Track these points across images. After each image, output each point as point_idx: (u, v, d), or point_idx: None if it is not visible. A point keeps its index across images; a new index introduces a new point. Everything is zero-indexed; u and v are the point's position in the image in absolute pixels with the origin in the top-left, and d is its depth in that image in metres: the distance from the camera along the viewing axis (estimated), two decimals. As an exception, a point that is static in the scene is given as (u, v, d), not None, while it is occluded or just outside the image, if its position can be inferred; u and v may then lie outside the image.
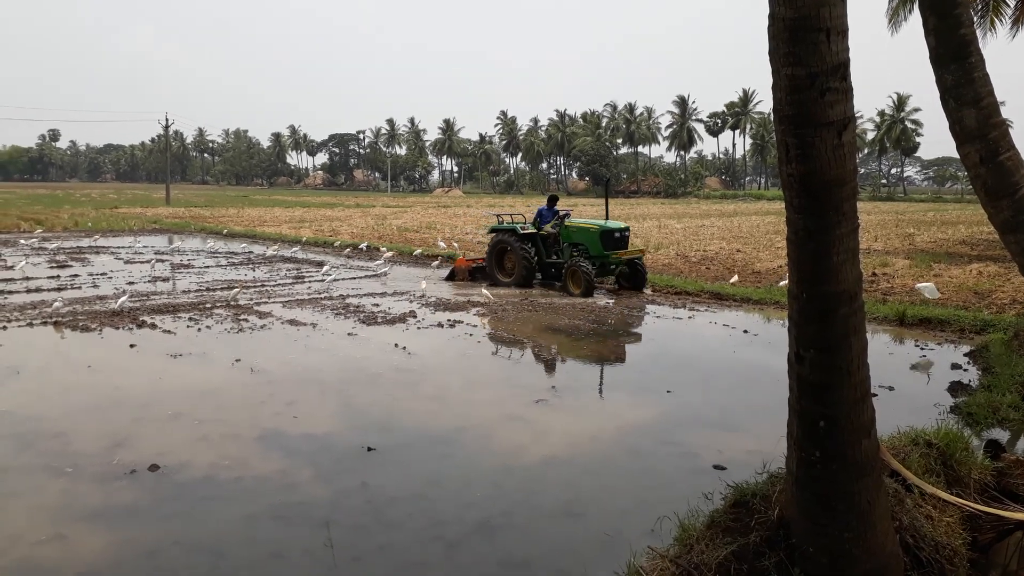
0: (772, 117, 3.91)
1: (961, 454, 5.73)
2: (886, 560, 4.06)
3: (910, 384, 9.40)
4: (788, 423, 4.17)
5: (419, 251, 24.34)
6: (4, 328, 11.97)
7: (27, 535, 5.27)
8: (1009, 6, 22.90)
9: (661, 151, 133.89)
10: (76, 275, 18.54)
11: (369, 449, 6.97)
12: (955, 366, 10.36)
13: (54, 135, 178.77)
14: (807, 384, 3.96)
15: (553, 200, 18.29)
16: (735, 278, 17.81)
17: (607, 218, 17.66)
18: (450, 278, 18.92)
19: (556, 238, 17.50)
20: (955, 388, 9.21)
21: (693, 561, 4.20)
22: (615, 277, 17.43)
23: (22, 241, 27.38)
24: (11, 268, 19.61)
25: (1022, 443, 7.75)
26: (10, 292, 15.57)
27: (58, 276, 18.23)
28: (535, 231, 17.72)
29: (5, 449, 6.85)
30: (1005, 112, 9.00)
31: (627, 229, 17.38)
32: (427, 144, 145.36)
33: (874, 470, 4.07)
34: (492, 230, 18.60)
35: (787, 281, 4.13)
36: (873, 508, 4.00)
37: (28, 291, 15.75)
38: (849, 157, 3.74)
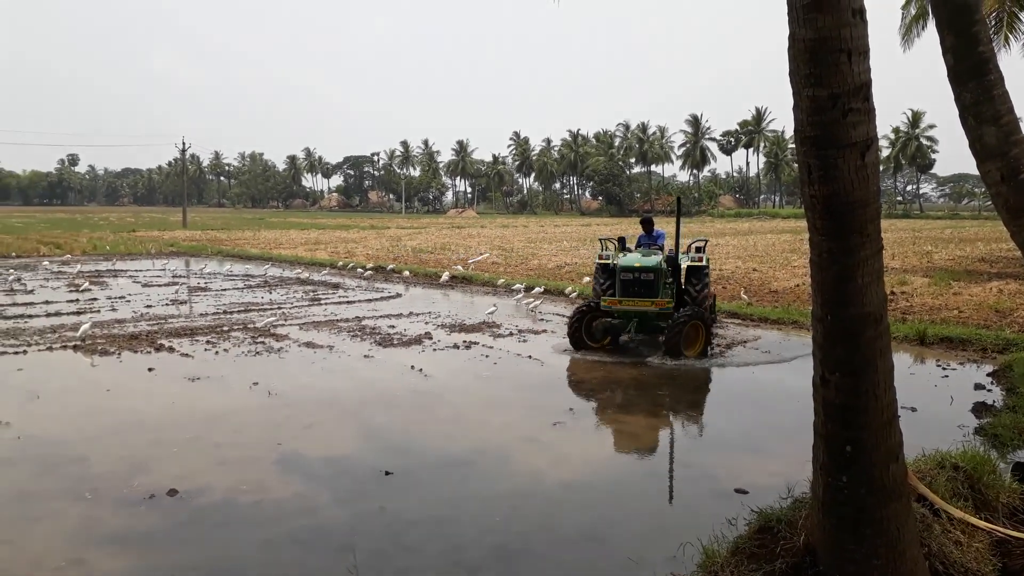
0: (791, 136, 3.90)
1: (988, 477, 5.63)
2: (916, 587, 3.98)
3: (933, 405, 9.27)
4: (813, 447, 4.11)
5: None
6: (25, 352, 12.06)
7: (47, 560, 5.27)
8: (1022, 21, 22.86)
9: (674, 170, 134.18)
10: (95, 299, 18.69)
11: (387, 473, 6.93)
12: (978, 386, 10.22)
13: (73, 159, 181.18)
14: (833, 407, 3.90)
15: (647, 224, 13.66)
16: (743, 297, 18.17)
17: (676, 241, 12.91)
18: None
19: None
20: (979, 409, 9.08)
21: (718, 588, 4.13)
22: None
23: (46, 263, 27.73)
24: (31, 292, 19.83)
25: (1050, 465, 7.61)
26: (30, 316, 15.72)
27: (77, 300, 18.39)
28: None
29: (27, 473, 6.87)
30: (1024, 129, 8.94)
31: (653, 269, 12.21)
32: (441, 165, 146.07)
33: (902, 495, 4.00)
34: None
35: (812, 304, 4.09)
36: (902, 534, 3.93)
37: (48, 315, 15.89)
38: (872, 178, 3.71)
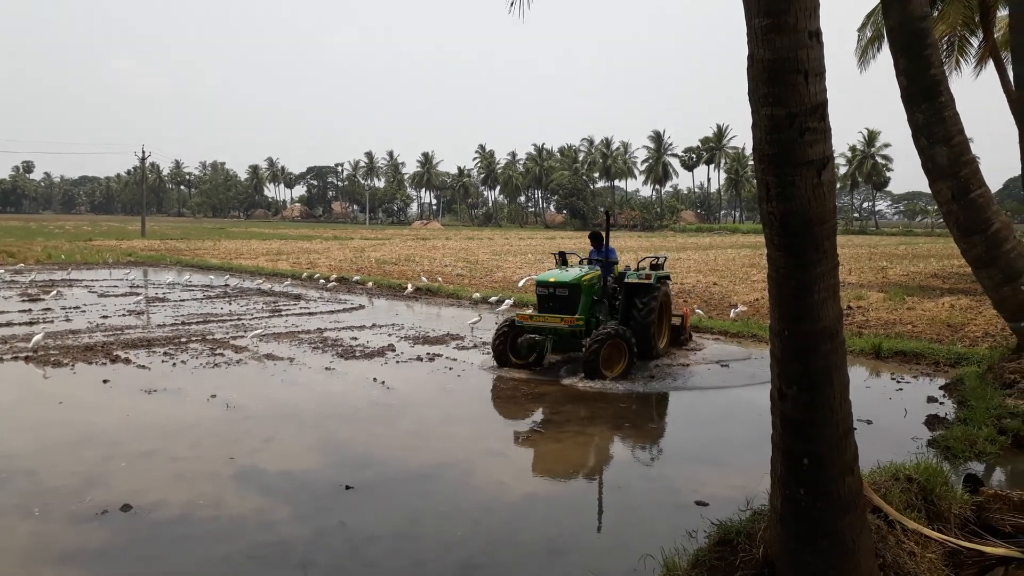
0: (750, 154, 3.97)
1: (941, 489, 5.75)
2: (871, 598, 4.05)
3: (888, 418, 9.46)
4: (772, 460, 4.17)
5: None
6: (-27, 363, 11.72)
7: (-6, 579, 5.11)
8: (973, 46, 23.59)
9: (637, 185, 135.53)
10: (48, 309, 18.25)
11: (347, 487, 6.86)
12: (931, 399, 10.45)
13: (28, 167, 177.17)
14: (790, 421, 3.97)
15: (595, 239, 13.31)
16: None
17: (606, 255, 12.89)
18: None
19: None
20: (932, 421, 9.28)
21: (678, 601, 4.16)
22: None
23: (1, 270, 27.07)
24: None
25: (1000, 476, 7.82)
26: (-20, 326, 15.28)
27: (30, 310, 17.93)
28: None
29: (-28, 489, 6.66)
30: (973, 148, 9.25)
31: (568, 284, 11.71)
32: (406, 177, 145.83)
33: (858, 507, 4.07)
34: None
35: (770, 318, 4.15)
36: (857, 545, 4.00)
37: (-2, 325, 15.47)
38: (828, 195, 3.80)
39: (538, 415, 9.59)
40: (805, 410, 3.90)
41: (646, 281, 12.58)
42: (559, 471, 7.69)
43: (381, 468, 7.49)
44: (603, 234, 13.23)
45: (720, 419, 9.68)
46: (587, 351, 11.12)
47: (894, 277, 27.98)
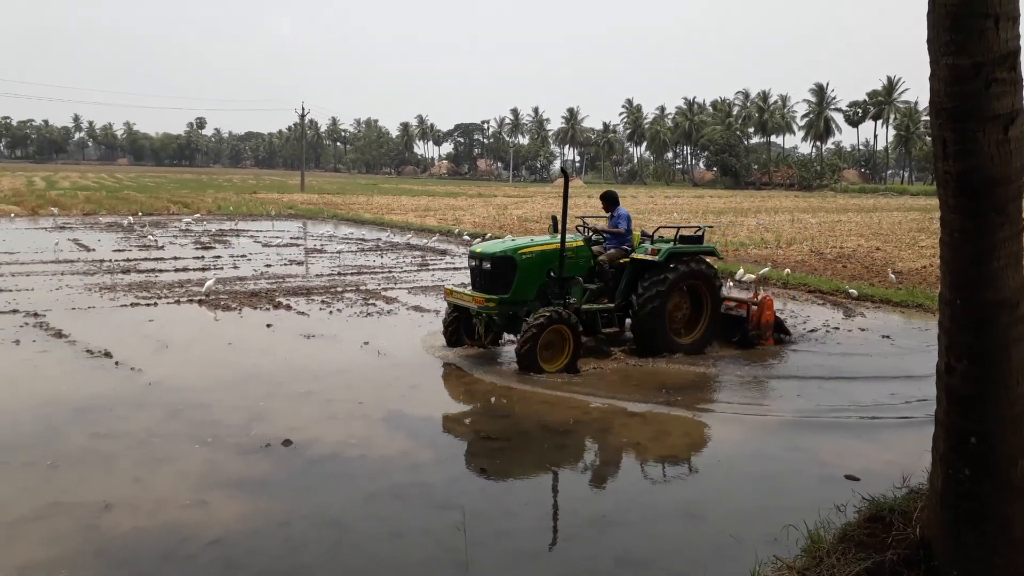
0: (923, 108, 3.66)
1: None
2: (1041, 591, 3.74)
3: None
4: (934, 437, 3.91)
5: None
6: (155, 304, 12.90)
7: (173, 498, 5.65)
8: None
9: (796, 141, 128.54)
10: (219, 256, 19.74)
11: (487, 437, 7.05)
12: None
13: (201, 123, 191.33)
14: (958, 397, 3.69)
15: (608, 201, 10.88)
16: (892, 277, 17.05)
17: (563, 223, 9.79)
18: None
19: (610, 265, 10.58)
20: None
21: (823, 575, 4.01)
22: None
23: (186, 219, 29.72)
24: (161, 248, 21.15)
25: None
26: (161, 271, 16.78)
27: (202, 257, 19.48)
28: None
29: (156, 417, 7.38)
30: None
31: (492, 257, 9.73)
32: (550, 134, 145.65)
33: (1031, 493, 3.75)
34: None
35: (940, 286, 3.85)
36: (1028, 534, 3.70)
37: (176, 270, 16.91)
38: (1016, 154, 3.45)
39: (677, 379, 9.42)
40: (975, 386, 3.61)
41: (651, 258, 10.29)
42: (697, 436, 7.56)
43: (519, 420, 7.65)
44: (616, 195, 10.97)
45: (874, 392, 9.15)
46: (521, 340, 9.24)
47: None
